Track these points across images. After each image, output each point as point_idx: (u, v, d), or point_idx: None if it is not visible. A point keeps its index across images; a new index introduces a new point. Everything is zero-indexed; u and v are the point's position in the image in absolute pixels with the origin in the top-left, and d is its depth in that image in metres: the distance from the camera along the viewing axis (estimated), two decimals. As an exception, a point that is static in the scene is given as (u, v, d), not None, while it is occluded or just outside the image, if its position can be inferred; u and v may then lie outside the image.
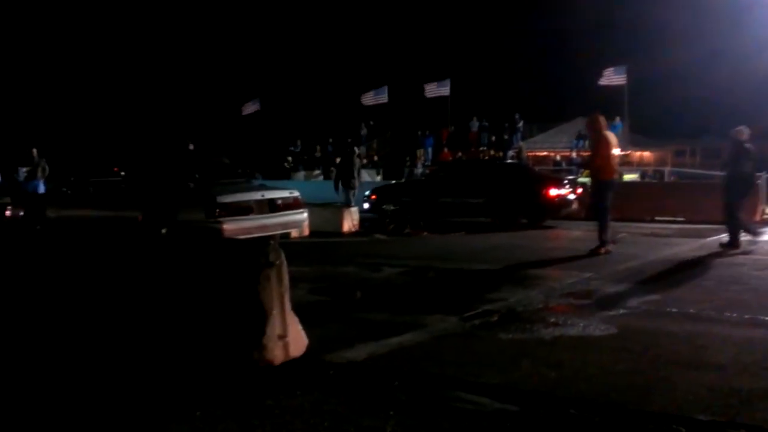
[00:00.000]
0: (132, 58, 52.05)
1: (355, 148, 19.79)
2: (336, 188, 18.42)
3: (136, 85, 49.44)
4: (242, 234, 9.88)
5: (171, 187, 11.14)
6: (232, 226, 10.14)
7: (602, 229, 10.38)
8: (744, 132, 10.96)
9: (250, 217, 10.65)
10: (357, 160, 18.52)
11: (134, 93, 48.34)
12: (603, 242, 10.30)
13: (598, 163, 10.58)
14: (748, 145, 10.88)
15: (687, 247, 11.07)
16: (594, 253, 10.14)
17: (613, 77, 31.43)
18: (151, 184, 11.49)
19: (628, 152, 34.39)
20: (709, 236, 12.44)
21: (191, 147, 13.86)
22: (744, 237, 10.93)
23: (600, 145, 10.62)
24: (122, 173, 12.53)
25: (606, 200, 10.44)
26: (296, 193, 11.87)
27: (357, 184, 18.22)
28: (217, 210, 10.24)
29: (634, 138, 35.83)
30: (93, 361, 4.49)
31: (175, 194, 10.92)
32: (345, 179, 18.01)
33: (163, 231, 10.03)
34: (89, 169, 14.48)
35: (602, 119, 10.77)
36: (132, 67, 51.46)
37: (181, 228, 10.07)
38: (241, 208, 10.57)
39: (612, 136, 10.79)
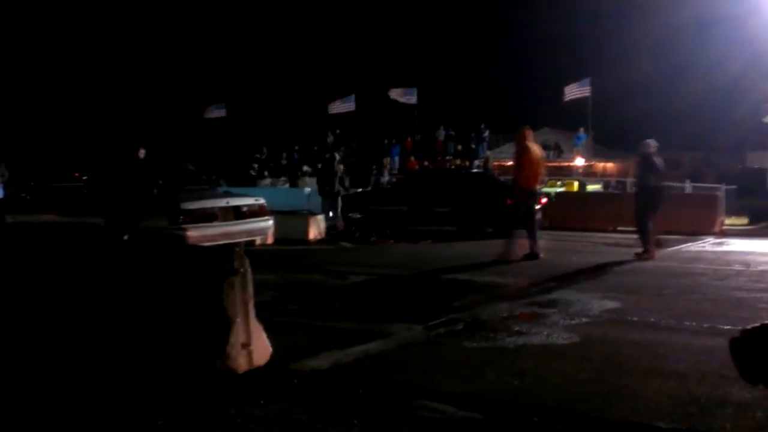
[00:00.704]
0: (94, 62, 51.32)
1: (335, 154, 18.60)
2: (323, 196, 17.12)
3: (98, 88, 48.74)
4: (206, 241, 9.79)
5: (133, 193, 11.01)
6: (195, 233, 10.04)
7: (533, 235, 10.85)
8: (651, 145, 11.49)
9: (215, 224, 10.55)
10: (339, 167, 17.30)
11: (96, 97, 47.65)
12: (533, 247, 10.81)
13: (518, 173, 11.04)
14: (654, 159, 11.38)
15: (648, 257, 11.23)
16: (531, 257, 10.67)
17: (577, 90, 31.89)
18: (113, 190, 11.34)
19: (592, 163, 34.88)
20: (670, 247, 12.65)
21: (142, 154, 13.66)
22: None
23: (521, 156, 11.01)
24: (84, 178, 12.34)
25: (522, 209, 10.88)
26: (261, 201, 11.80)
27: (341, 190, 16.92)
28: (181, 217, 10.13)
29: (598, 149, 36.34)
30: (50, 370, 4.40)
31: (137, 200, 10.79)
32: (323, 187, 16.93)
33: (125, 237, 9.90)
34: (49, 175, 14.25)
35: (529, 132, 11.23)
36: (94, 71, 50.74)
37: (143, 234, 9.94)
38: (205, 215, 10.47)
39: (536, 149, 11.21)
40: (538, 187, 11.16)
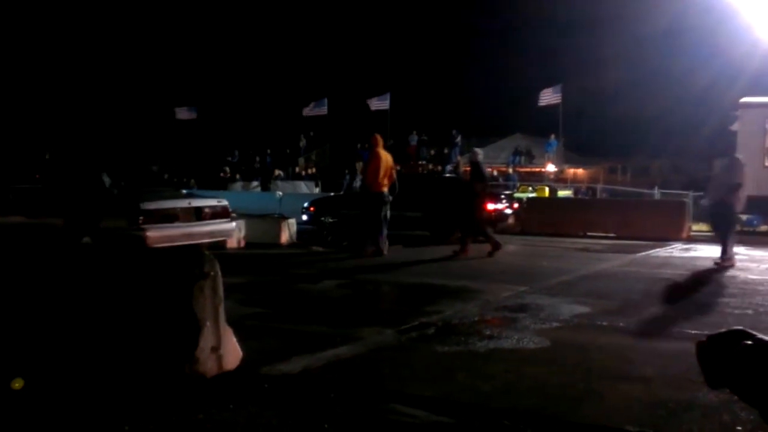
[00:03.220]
0: (59, 61, 50.54)
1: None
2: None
3: (63, 88, 47.95)
4: (166, 242, 9.63)
5: (91, 194, 10.86)
6: (155, 234, 9.85)
7: (375, 236, 11.75)
8: (479, 154, 13.14)
9: (175, 225, 10.38)
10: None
11: (61, 97, 46.85)
12: (376, 247, 11.72)
13: (369, 177, 11.84)
14: (482, 166, 12.88)
15: (617, 262, 11.37)
16: (364, 254, 11.62)
17: (549, 96, 32.22)
18: (71, 191, 11.17)
19: (563, 169, 35.23)
20: (639, 252, 12.81)
21: (47, 156, 13.54)
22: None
23: (372, 161, 11.88)
24: (37, 177, 12.14)
25: (378, 211, 11.76)
26: (224, 202, 11.66)
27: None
28: (141, 217, 9.94)
29: (568, 155, 36.74)
30: (14, 374, 4.31)
31: (96, 201, 10.64)
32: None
33: (86, 239, 9.72)
34: (9, 176, 14.01)
35: (380, 138, 12.22)
36: (59, 70, 49.95)
37: (103, 236, 9.76)
38: (165, 216, 10.29)
39: (385, 154, 12.00)
40: (385, 190, 11.89)
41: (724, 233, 10.88)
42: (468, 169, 13.58)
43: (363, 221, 12.02)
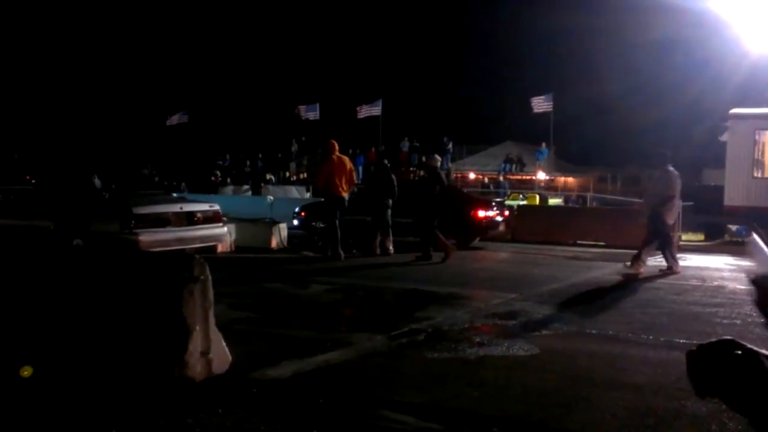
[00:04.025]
0: (54, 65, 50.40)
1: (385, 161, 15.20)
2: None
3: (57, 92, 47.80)
4: (158, 246, 9.61)
5: (82, 196, 10.82)
6: (148, 238, 9.84)
7: (334, 242, 11.98)
8: (437, 159, 13.59)
9: (167, 229, 10.36)
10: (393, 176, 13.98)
11: (55, 101, 46.69)
12: (337, 254, 11.88)
13: (323, 181, 12.16)
14: (440, 172, 13.14)
15: (607, 271, 11.39)
16: (329, 257, 11.83)
17: (540, 104, 32.37)
18: (62, 193, 11.13)
19: (553, 177, 35.36)
20: (628, 260, 12.83)
21: (16, 156, 13.55)
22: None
23: (326, 166, 12.19)
24: (33, 181, 12.11)
25: (334, 216, 12.01)
26: (216, 207, 11.64)
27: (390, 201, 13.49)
28: (133, 221, 9.92)
29: (559, 164, 36.89)
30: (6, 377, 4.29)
31: (87, 203, 10.59)
32: (382, 201, 13.39)
33: (77, 242, 9.68)
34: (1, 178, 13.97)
35: (335, 144, 12.34)
36: (53, 74, 49.80)
37: (95, 239, 9.73)
38: (157, 220, 10.29)
39: (341, 160, 12.22)
40: (343, 194, 12.11)
41: (661, 245, 10.99)
42: (422, 173, 13.94)
43: (329, 227, 12.22)
